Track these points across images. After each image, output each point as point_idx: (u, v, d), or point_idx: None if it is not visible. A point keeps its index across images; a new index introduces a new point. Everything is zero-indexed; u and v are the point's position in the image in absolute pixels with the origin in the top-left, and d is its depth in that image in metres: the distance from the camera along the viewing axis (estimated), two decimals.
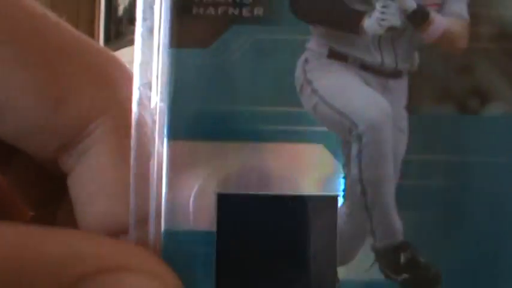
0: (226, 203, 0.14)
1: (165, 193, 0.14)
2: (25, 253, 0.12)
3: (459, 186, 0.14)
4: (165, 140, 0.14)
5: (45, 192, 0.18)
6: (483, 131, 0.15)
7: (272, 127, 0.15)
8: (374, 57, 0.15)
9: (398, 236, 0.14)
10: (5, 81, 0.14)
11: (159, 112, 0.14)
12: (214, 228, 0.14)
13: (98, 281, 0.12)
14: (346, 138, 0.15)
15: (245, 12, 0.15)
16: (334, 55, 0.15)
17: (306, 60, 0.15)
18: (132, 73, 0.15)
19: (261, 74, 0.15)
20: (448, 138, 0.15)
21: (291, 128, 0.15)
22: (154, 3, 0.14)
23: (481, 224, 0.14)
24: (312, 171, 0.15)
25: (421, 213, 0.14)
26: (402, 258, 0.14)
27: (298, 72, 0.15)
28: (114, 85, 0.15)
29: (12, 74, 0.14)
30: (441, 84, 0.15)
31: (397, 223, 0.14)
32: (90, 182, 0.15)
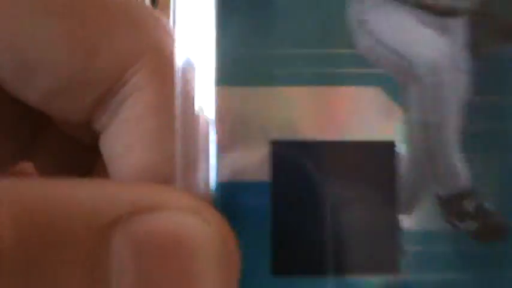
0: (281, 151, 0.13)
1: (214, 143, 0.14)
2: (54, 203, 0.11)
3: None
4: (213, 86, 0.14)
5: (77, 167, 0.18)
6: None
7: (326, 70, 0.14)
8: None
9: (464, 182, 0.14)
10: (34, 35, 0.13)
11: (206, 58, 0.14)
12: (267, 178, 0.13)
13: (132, 223, 0.11)
14: (404, 80, 0.14)
15: None
16: None
17: (360, 0, 0.14)
18: (167, 21, 0.14)
19: (312, 16, 0.14)
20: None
21: (346, 70, 0.14)
22: None
23: None
24: (369, 115, 0.14)
25: (488, 159, 0.13)
26: (468, 206, 0.13)
27: (352, 12, 0.14)
28: (149, 30, 0.14)
29: (41, 27, 0.13)
30: (504, 23, 0.14)
31: (462, 169, 0.14)
32: (126, 134, 0.14)
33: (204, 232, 0.12)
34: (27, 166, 0.17)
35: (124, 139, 0.14)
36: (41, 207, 0.11)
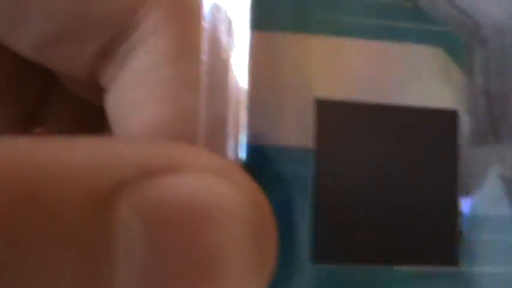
0: (326, 112, 0.11)
1: (248, 99, 0.11)
2: (43, 164, 0.08)
3: None
4: (248, 30, 0.11)
5: (88, 131, 0.15)
6: None
7: (383, 22, 0.12)
8: None
9: None
10: None
11: (240, 2, 0.11)
12: (310, 144, 0.11)
13: (144, 187, 0.09)
14: (469, 42, 0.12)
15: None
16: None
17: None
18: None
19: None
20: None
21: (405, 25, 0.12)
22: None
23: None
24: (428, 78, 0.12)
25: None
26: None
27: None
28: None
29: None
30: None
31: None
32: (136, 87, 0.11)
33: (233, 199, 0.09)
34: (39, 131, 0.15)
35: (133, 94, 0.11)
36: (27, 169, 0.08)
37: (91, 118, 0.15)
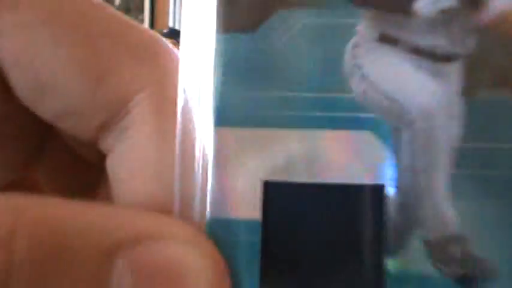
0: (273, 191, 0.14)
1: (211, 180, 0.14)
2: (67, 223, 0.12)
3: None
4: (212, 127, 0.14)
5: (80, 182, 0.19)
6: None
7: (320, 114, 0.14)
8: (426, 41, 0.14)
9: (451, 227, 0.14)
10: (47, 59, 0.14)
11: (205, 98, 0.14)
12: (260, 217, 0.14)
13: (134, 250, 0.12)
14: (396, 125, 0.14)
15: None
16: (384, 39, 0.14)
17: (356, 45, 0.14)
18: (178, 55, 0.15)
19: (309, 60, 0.14)
20: (506, 126, 0.14)
21: (339, 114, 0.14)
22: None
23: None
24: (360, 159, 0.14)
25: (477, 205, 0.14)
26: (455, 252, 0.14)
27: (348, 57, 0.14)
28: (155, 63, 0.15)
29: (54, 52, 0.14)
30: (499, 70, 0.14)
31: (450, 214, 0.14)
32: (130, 160, 0.15)
33: (199, 264, 0.12)
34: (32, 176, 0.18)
35: (128, 165, 0.15)
36: (55, 226, 0.12)
37: (83, 172, 0.18)
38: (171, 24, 2.58)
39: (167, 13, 2.59)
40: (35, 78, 0.14)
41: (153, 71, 0.15)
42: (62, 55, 0.14)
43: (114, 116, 0.15)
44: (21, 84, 0.14)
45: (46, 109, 0.15)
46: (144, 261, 0.12)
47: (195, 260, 0.13)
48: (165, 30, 1.96)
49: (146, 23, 2.55)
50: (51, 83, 0.14)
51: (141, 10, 2.56)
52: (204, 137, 0.14)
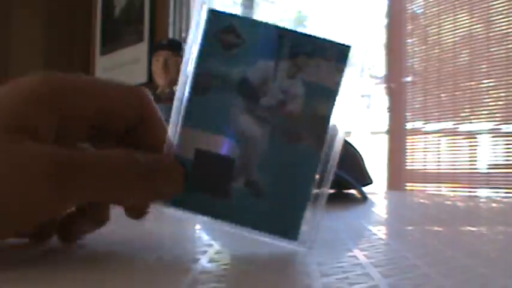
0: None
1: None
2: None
3: None
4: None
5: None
6: None
7: None
8: None
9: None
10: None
11: None
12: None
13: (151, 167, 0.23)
14: None
15: None
16: None
17: None
18: None
19: None
20: None
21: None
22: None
23: None
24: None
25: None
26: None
27: None
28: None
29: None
30: None
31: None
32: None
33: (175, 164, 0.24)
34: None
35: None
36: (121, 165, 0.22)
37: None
38: (170, 35, 2.59)
39: (167, 24, 2.61)
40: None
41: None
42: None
43: (131, 122, 0.25)
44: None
45: (87, 109, 0.23)
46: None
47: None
48: (164, 42, 2.03)
49: (146, 34, 2.59)
50: (115, 113, 0.25)
51: (141, 21, 2.57)
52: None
